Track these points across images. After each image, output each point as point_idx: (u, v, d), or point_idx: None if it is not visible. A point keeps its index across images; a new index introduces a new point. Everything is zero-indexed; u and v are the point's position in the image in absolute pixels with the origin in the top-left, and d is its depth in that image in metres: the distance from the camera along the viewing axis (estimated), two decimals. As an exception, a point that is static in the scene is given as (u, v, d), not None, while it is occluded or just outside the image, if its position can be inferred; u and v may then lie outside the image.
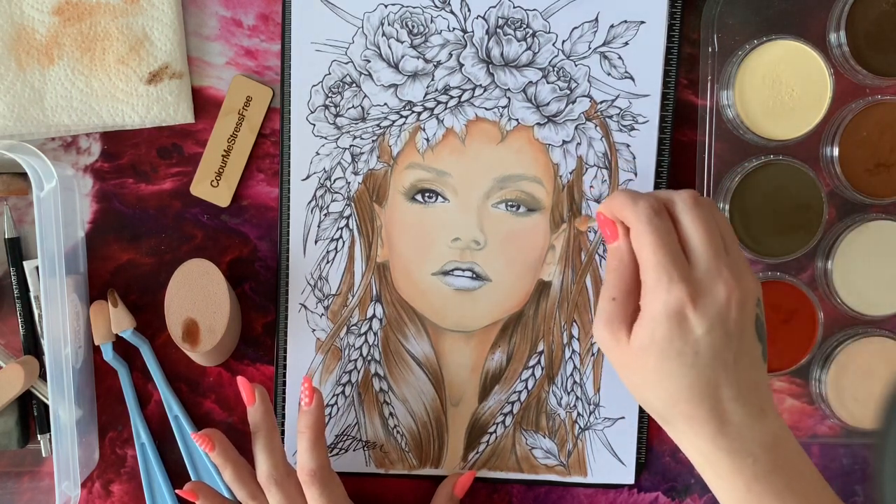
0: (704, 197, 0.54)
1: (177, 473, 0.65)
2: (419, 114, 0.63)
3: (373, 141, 0.63)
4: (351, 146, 0.64)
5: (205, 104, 0.64)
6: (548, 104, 0.63)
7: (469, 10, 0.63)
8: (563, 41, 0.63)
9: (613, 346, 0.52)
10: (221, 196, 0.64)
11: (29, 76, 0.62)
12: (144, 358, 0.64)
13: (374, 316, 0.65)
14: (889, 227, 0.64)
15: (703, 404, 0.50)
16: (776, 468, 0.51)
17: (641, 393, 0.53)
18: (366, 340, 0.65)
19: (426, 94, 0.63)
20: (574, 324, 0.65)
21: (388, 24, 0.63)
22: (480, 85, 0.63)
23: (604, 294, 0.53)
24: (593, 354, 0.65)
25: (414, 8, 0.63)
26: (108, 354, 0.63)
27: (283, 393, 0.65)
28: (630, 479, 0.66)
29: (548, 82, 0.63)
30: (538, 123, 0.64)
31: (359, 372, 0.65)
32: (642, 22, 0.63)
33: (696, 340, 0.50)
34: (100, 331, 0.63)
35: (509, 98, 0.63)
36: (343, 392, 0.65)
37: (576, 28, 0.63)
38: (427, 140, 0.63)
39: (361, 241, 0.64)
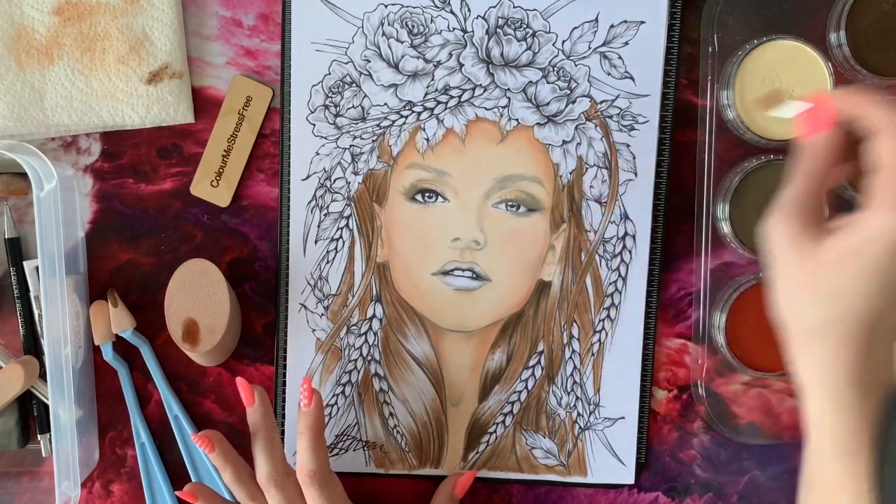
0: None
1: (177, 473, 0.65)
2: (419, 114, 0.63)
3: (373, 141, 0.64)
4: (351, 146, 0.64)
5: (205, 104, 0.64)
6: (548, 104, 0.63)
7: (469, 10, 0.63)
8: (563, 41, 0.63)
9: (794, 243, 0.47)
10: (221, 196, 0.64)
11: (29, 76, 0.62)
12: (144, 358, 0.64)
13: (374, 316, 0.65)
14: (889, 227, 0.64)
15: (864, 332, 0.46)
16: (883, 415, 0.47)
17: (800, 303, 0.48)
18: (366, 340, 0.65)
19: (426, 94, 0.63)
20: (574, 324, 0.65)
21: (388, 24, 0.63)
22: (480, 85, 0.63)
23: (797, 184, 0.49)
24: (593, 354, 0.65)
25: (414, 8, 0.63)
26: (108, 354, 0.63)
27: (283, 393, 0.65)
28: (630, 479, 0.66)
29: (548, 82, 0.63)
30: (538, 123, 0.64)
31: (359, 372, 0.65)
32: (642, 22, 0.63)
33: None
34: (100, 331, 0.63)
35: (509, 98, 0.63)
36: (343, 392, 0.65)
37: (576, 28, 0.63)
38: (427, 140, 0.63)
39: (361, 241, 0.64)
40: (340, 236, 0.64)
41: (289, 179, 0.64)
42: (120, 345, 0.64)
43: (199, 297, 0.60)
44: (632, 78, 0.64)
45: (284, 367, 0.65)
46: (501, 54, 0.63)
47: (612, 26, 0.63)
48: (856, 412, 0.47)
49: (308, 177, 0.64)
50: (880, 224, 0.45)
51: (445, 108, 0.63)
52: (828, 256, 0.46)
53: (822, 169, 0.49)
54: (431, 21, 0.63)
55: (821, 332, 0.47)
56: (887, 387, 0.48)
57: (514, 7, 0.63)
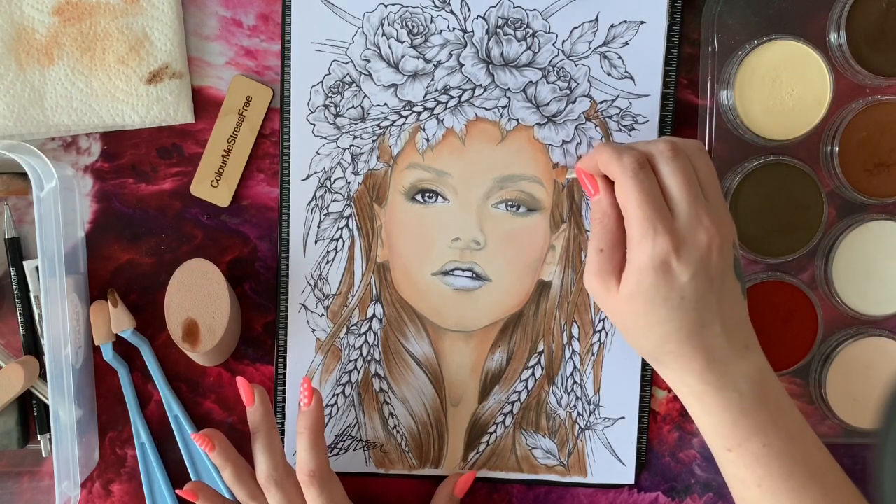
0: (686, 141, 0.56)
1: (177, 473, 0.65)
2: (419, 114, 0.63)
3: (373, 141, 0.64)
4: (351, 146, 0.64)
5: (205, 104, 0.64)
6: (548, 104, 0.63)
7: (469, 10, 0.63)
8: (563, 41, 0.63)
9: (604, 294, 0.55)
10: (221, 196, 0.64)
11: (29, 76, 0.62)
12: (144, 358, 0.64)
13: (374, 316, 0.65)
14: (889, 227, 0.64)
15: (690, 342, 0.53)
16: (761, 403, 0.54)
17: (633, 336, 0.56)
18: (366, 340, 0.65)
19: (426, 94, 0.63)
20: (574, 324, 0.65)
21: (388, 24, 0.63)
22: (480, 85, 0.63)
23: (591, 245, 0.56)
24: (593, 354, 0.65)
25: (414, 8, 0.63)
26: (108, 354, 0.63)
27: (283, 393, 0.65)
28: (630, 479, 0.66)
29: (548, 82, 0.63)
30: (538, 123, 0.64)
31: (359, 372, 0.65)
32: (642, 22, 0.63)
33: (681, 287, 0.53)
34: (100, 331, 0.63)
35: (509, 98, 0.63)
36: (343, 392, 0.65)
37: (576, 28, 0.63)
38: (427, 140, 0.63)
39: (361, 241, 0.64)
40: (340, 236, 0.64)
41: (289, 179, 0.64)
42: (120, 345, 0.64)
43: (199, 297, 0.60)
44: (632, 78, 0.64)
45: (284, 367, 0.65)
46: (501, 54, 0.63)
47: (612, 26, 0.63)
48: (723, 408, 0.54)
49: (308, 177, 0.64)
50: (639, 263, 0.53)
51: (445, 108, 0.63)
52: (623, 298, 0.54)
53: (608, 224, 0.55)
54: (431, 21, 0.63)
55: (659, 356, 0.55)
56: (746, 378, 0.54)
57: (514, 7, 0.63)
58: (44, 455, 0.64)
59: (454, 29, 0.63)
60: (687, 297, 0.53)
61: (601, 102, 0.64)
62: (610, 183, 0.56)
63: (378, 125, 0.63)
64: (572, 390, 0.65)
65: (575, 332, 0.65)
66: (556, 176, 0.64)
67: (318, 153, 0.64)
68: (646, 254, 0.52)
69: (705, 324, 0.53)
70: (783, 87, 0.63)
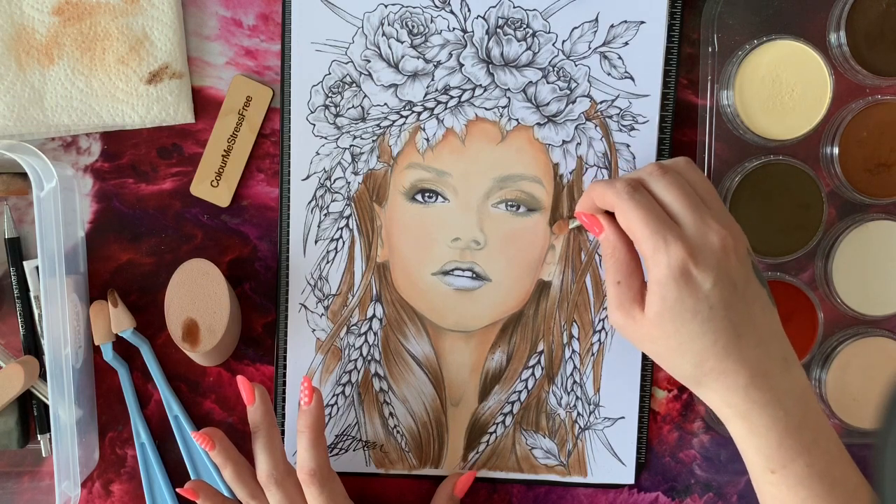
0: (674, 160, 0.56)
1: (177, 473, 0.65)
2: (419, 114, 0.63)
3: (373, 141, 0.64)
4: (351, 146, 0.64)
5: (205, 104, 0.64)
6: (548, 104, 0.63)
7: (469, 10, 0.63)
8: (563, 41, 0.63)
9: (630, 324, 0.54)
10: (221, 196, 0.64)
11: (29, 76, 0.62)
12: (144, 358, 0.64)
13: (374, 316, 0.65)
14: (889, 227, 0.64)
15: (730, 357, 0.52)
16: (805, 421, 0.52)
17: (669, 361, 0.54)
18: (366, 340, 0.65)
19: (426, 94, 0.63)
20: (574, 324, 0.65)
21: (388, 24, 0.63)
22: (480, 85, 0.63)
23: (608, 281, 0.55)
24: (593, 354, 0.65)
25: (414, 8, 0.63)
26: (108, 354, 0.63)
27: (283, 393, 0.65)
28: (630, 479, 0.66)
29: (548, 82, 0.63)
30: (538, 123, 0.64)
31: (359, 372, 0.65)
32: (642, 22, 0.63)
33: (706, 295, 0.51)
34: (100, 331, 0.63)
35: (509, 98, 0.63)
36: (343, 392, 0.65)
37: (576, 28, 0.63)
38: (427, 140, 0.63)
39: (361, 241, 0.64)
40: (340, 236, 0.64)
41: (289, 179, 0.64)
42: (120, 345, 0.64)
43: (199, 297, 0.60)
44: (632, 78, 0.64)
45: (284, 367, 0.65)
46: (501, 54, 0.63)
47: (612, 26, 0.63)
48: (769, 427, 0.52)
49: (308, 177, 0.64)
50: (658, 278, 0.52)
51: (445, 108, 0.63)
52: (651, 322, 0.53)
53: (619, 255, 0.55)
54: (431, 21, 0.63)
55: (699, 376, 0.53)
56: (790, 395, 0.52)
57: (514, 7, 0.63)
58: (44, 455, 0.64)
59: (454, 29, 0.63)
60: (715, 306, 0.51)
61: (601, 102, 0.64)
62: (612, 217, 0.56)
63: (378, 125, 0.63)
64: (572, 390, 0.65)
65: (575, 331, 0.65)
66: (558, 231, 0.64)
67: (318, 153, 0.64)
68: (662, 266, 0.51)
69: (740, 334, 0.52)
70: (783, 87, 0.63)
